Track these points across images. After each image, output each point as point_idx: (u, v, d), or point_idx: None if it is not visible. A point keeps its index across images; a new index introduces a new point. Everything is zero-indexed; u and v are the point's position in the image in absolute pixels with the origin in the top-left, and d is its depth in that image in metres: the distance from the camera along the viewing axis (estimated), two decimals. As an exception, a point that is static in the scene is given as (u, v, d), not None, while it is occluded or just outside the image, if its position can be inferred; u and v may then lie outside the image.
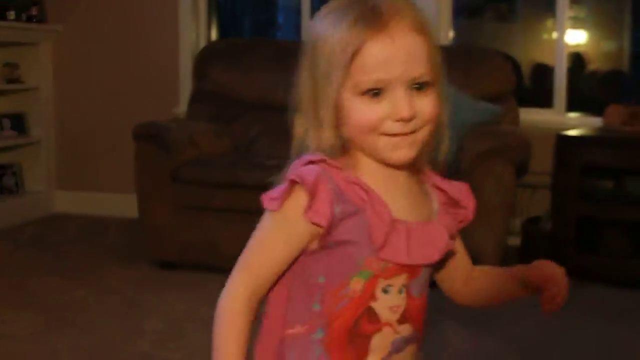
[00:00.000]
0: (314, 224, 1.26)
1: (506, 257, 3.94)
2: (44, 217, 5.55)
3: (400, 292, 1.32)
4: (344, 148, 1.33)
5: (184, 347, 3.05)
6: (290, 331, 1.34)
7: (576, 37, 5.12)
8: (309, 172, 1.27)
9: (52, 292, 3.80)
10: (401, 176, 1.35)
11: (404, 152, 1.29)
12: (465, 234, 4.04)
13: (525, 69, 5.28)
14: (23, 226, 5.26)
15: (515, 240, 4.44)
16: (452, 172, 3.79)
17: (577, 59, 5.10)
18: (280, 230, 1.30)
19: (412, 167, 1.37)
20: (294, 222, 1.28)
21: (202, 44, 5.36)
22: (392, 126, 1.27)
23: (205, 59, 4.93)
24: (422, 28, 1.29)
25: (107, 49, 5.52)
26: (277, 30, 6.17)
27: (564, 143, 4.05)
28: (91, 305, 3.63)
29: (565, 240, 4.02)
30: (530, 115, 4.66)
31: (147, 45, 5.40)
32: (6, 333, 3.27)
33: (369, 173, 1.33)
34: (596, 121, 4.58)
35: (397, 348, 1.34)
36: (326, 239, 1.29)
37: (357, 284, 1.30)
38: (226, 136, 4.57)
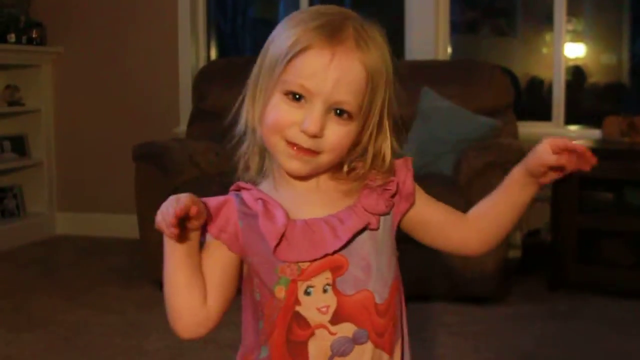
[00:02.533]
0: (216, 238, 1.33)
1: (507, 270, 3.94)
2: (45, 239, 5.56)
3: (324, 291, 1.30)
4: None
5: (185, 366, 3.06)
6: (248, 358, 1.37)
7: (575, 51, 5.13)
8: (213, 199, 1.34)
9: (54, 313, 3.81)
10: (312, 185, 1.35)
11: (297, 165, 1.30)
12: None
13: (524, 83, 5.29)
14: (24, 248, 5.28)
15: (516, 253, 4.43)
16: (449, 185, 3.80)
17: (576, 72, 5.11)
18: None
19: (326, 175, 1.36)
20: (214, 247, 1.34)
21: (202, 63, 5.39)
22: (295, 134, 1.28)
23: (204, 79, 4.95)
24: (372, 65, 1.30)
25: (108, 71, 5.55)
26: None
27: (563, 156, 4.05)
28: (92, 325, 3.63)
29: (566, 252, 4.02)
30: (529, 129, 4.67)
31: (146, 66, 5.42)
32: (9, 355, 3.27)
33: (280, 185, 1.36)
34: (595, 133, 4.60)
35: (341, 350, 1.31)
36: (246, 258, 1.34)
37: (280, 292, 1.30)
38: (226, 155, 4.57)
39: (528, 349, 3.24)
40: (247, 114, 1.36)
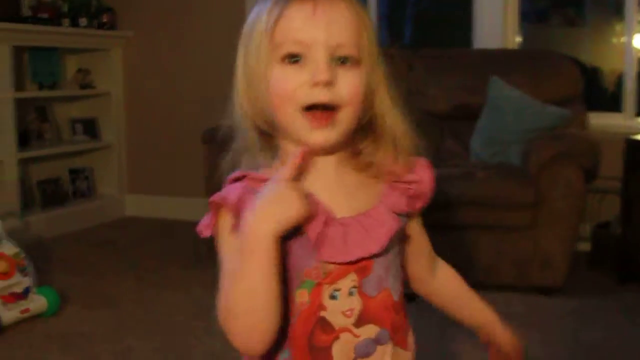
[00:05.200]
0: None
1: (576, 263, 3.92)
2: (116, 220, 5.67)
3: (350, 294, 1.24)
4: (274, 146, 1.31)
5: (254, 347, 3.09)
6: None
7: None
8: (231, 191, 1.25)
9: (126, 293, 3.89)
10: (330, 167, 1.28)
11: (321, 135, 1.22)
12: (535, 239, 4.01)
13: (594, 74, 5.23)
14: (96, 228, 5.39)
15: (585, 246, 4.41)
16: (518, 176, 3.79)
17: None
18: (230, 249, 1.24)
19: (344, 159, 1.30)
20: (234, 244, 1.21)
21: (270, 48, 5.40)
22: (307, 93, 1.21)
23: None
24: (354, 7, 1.25)
25: (176, 54, 5.61)
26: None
27: (633, 147, 4.01)
28: (162, 305, 3.70)
29: (636, 245, 3.97)
30: (599, 120, 4.62)
31: (215, 49, 5.46)
32: (83, 332, 3.35)
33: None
34: (666, 125, 4.54)
35: (364, 352, 1.26)
36: None
37: (302, 297, 1.24)
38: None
39: (595, 342, 3.22)
40: (241, 108, 1.31)
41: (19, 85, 5.03)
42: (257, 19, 1.27)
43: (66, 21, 5.40)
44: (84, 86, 5.60)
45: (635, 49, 4.78)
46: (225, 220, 1.25)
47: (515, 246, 3.77)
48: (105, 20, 5.63)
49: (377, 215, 1.26)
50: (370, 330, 1.26)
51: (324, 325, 1.24)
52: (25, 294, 3.44)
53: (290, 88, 1.21)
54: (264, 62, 1.24)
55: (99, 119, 5.74)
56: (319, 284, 1.23)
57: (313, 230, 1.20)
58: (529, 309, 3.62)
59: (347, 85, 1.22)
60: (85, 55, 5.70)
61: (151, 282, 4.06)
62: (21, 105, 5.00)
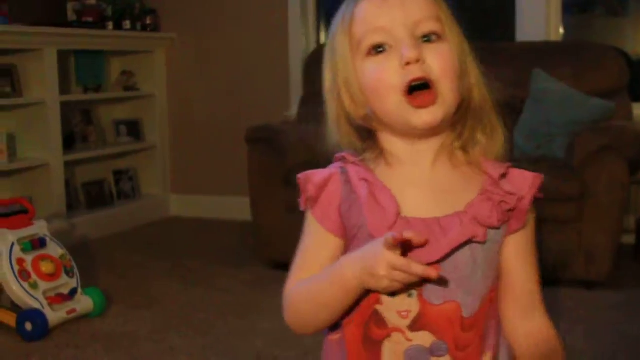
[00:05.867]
0: (320, 224, 1.28)
1: (620, 256, 3.87)
2: (160, 220, 5.72)
3: (409, 295, 1.21)
4: (373, 139, 1.30)
5: (296, 346, 3.09)
6: (330, 337, 1.33)
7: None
8: (317, 172, 1.29)
9: (170, 293, 3.92)
10: (427, 162, 1.26)
11: (427, 114, 1.20)
12: (579, 232, 3.96)
13: (638, 64, 5.14)
14: (140, 229, 5.44)
15: (629, 239, 4.35)
16: (563, 169, 3.75)
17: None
18: (311, 229, 1.31)
19: (443, 152, 1.27)
20: (324, 236, 1.30)
21: (312, 47, 5.42)
22: (402, 76, 1.19)
23: (314, 63, 4.98)
24: None
25: (219, 55, 5.64)
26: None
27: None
28: (206, 305, 3.72)
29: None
30: (645, 111, 4.56)
31: (257, 51, 5.49)
32: (128, 331, 3.38)
33: (390, 164, 1.27)
34: None
35: (414, 358, 1.23)
36: (347, 236, 1.28)
37: None
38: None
39: (642, 336, 3.19)
40: (336, 119, 1.32)
41: (64, 89, 5.08)
42: (336, 25, 1.28)
43: (110, 24, 5.45)
44: (128, 88, 5.66)
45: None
46: (309, 196, 1.29)
47: (560, 240, 3.73)
48: (148, 22, 5.68)
49: (450, 223, 1.22)
50: (424, 338, 1.23)
51: (378, 319, 1.24)
52: (71, 294, 3.47)
53: (383, 76, 1.20)
54: (350, 62, 1.25)
55: (142, 120, 5.79)
56: None
57: (379, 228, 1.21)
58: (574, 303, 3.58)
59: (437, 60, 1.20)
60: (129, 58, 5.76)
61: (195, 282, 4.08)
62: (66, 108, 5.06)
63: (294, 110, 5.18)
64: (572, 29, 5.23)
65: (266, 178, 4.21)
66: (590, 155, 3.68)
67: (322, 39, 5.61)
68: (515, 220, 1.28)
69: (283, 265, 4.33)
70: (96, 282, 3.92)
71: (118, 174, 5.68)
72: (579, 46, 4.55)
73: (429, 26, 1.21)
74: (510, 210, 1.26)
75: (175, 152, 5.86)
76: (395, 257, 1.13)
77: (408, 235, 1.13)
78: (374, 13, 1.21)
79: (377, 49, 1.21)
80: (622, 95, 4.32)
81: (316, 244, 1.31)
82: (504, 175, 1.27)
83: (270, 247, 4.23)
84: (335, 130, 1.32)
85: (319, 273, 1.27)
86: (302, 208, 1.32)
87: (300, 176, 1.31)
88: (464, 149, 1.28)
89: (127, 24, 5.53)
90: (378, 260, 1.14)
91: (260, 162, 4.23)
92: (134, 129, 5.74)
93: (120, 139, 5.69)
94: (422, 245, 1.17)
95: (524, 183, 1.28)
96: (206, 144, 5.73)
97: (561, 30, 5.02)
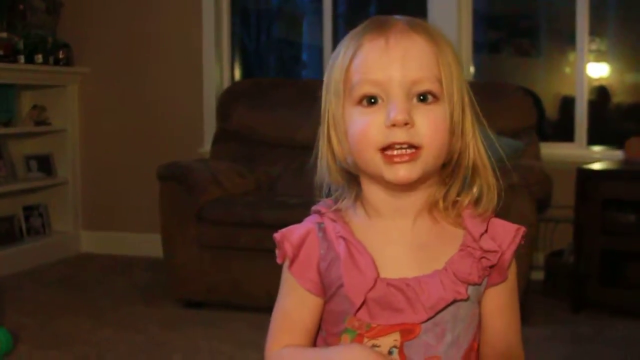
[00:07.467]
0: (299, 283, 1.27)
1: (529, 292, 3.93)
2: (71, 257, 5.61)
3: (390, 353, 1.21)
4: (357, 181, 1.28)
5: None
6: None
7: (599, 70, 5.11)
8: (295, 231, 1.27)
9: (79, 332, 3.84)
10: (408, 220, 1.25)
11: (404, 170, 1.17)
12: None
13: (549, 103, 5.27)
14: (50, 266, 5.32)
15: (538, 275, 4.44)
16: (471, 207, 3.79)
17: (600, 92, 5.08)
18: (289, 286, 1.30)
19: (426, 207, 1.25)
20: (302, 294, 1.28)
21: (226, 83, 5.43)
22: (386, 135, 1.17)
23: (228, 99, 4.99)
24: (431, 36, 1.21)
25: (132, 91, 5.60)
26: (302, 69, 6.21)
27: (585, 177, 4.05)
28: (117, 344, 3.65)
29: (589, 273, 4.00)
30: (552, 150, 4.67)
31: (172, 86, 5.47)
32: (34, 373, 3.31)
33: (370, 216, 1.26)
34: (618, 154, 4.58)
35: None
36: (325, 294, 1.27)
37: (345, 341, 1.24)
38: (250, 175, 4.60)
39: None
40: (325, 153, 1.28)
41: (-28, 123, 4.97)
42: (336, 60, 1.25)
43: (22, 58, 5.36)
44: (39, 123, 5.56)
45: (588, 78, 4.83)
46: (287, 255, 1.28)
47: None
48: (61, 56, 5.60)
49: (433, 283, 1.21)
50: None
51: None
52: (-24, 335, 3.39)
53: (367, 130, 1.18)
54: (341, 105, 1.22)
55: (53, 155, 5.69)
56: (360, 335, 1.23)
57: (357, 291, 1.20)
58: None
59: (427, 124, 1.17)
60: (41, 92, 5.66)
61: (106, 322, 4.01)
62: (-26, 143, 4.95)
63: (207, 146, 5.18)
64: (483, 69, 5.34)
65: (178, 215, 4.18)
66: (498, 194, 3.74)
67: (237, 75, 5.62)
68: (497, 274, 1.28)
69: (196, 304, 4.32)
70: (2, 321, 3.82)
71: (28, 210, 5.56)
72: (489, 86, 4.64)
73: (426, 86, 1.18)
74: (492, 266, 1.26)
75: (87, 188, 5.77)
76: None
77: None
78: (373, 62, 1.18)
79: (369, 100, 1.19)
80: (531, 135, 4.42)
81: (296, 303, 1.29)
82: (485, 231, 1.26)
83: (183, 286, 4.20)
84: (323, 164, 1.29)
85: (309, 354, 1.26)
86: (279, 261, 1.31)
87: (277, 235, 1.28)
88: (452, 204, 1.27)
89: (39, 57, 5.44)
90: None
91: (171, 199, 4.20)
92: (44, 164, 5.65)
93: (31, 174, 5.58)
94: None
95: (506, 236, 1.28)
96: (118, 180, 5.67)
97: (472, 70, 5.12)
